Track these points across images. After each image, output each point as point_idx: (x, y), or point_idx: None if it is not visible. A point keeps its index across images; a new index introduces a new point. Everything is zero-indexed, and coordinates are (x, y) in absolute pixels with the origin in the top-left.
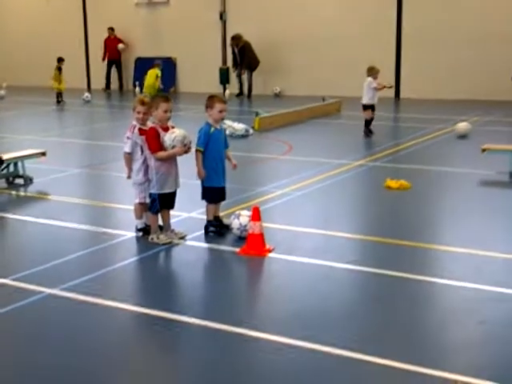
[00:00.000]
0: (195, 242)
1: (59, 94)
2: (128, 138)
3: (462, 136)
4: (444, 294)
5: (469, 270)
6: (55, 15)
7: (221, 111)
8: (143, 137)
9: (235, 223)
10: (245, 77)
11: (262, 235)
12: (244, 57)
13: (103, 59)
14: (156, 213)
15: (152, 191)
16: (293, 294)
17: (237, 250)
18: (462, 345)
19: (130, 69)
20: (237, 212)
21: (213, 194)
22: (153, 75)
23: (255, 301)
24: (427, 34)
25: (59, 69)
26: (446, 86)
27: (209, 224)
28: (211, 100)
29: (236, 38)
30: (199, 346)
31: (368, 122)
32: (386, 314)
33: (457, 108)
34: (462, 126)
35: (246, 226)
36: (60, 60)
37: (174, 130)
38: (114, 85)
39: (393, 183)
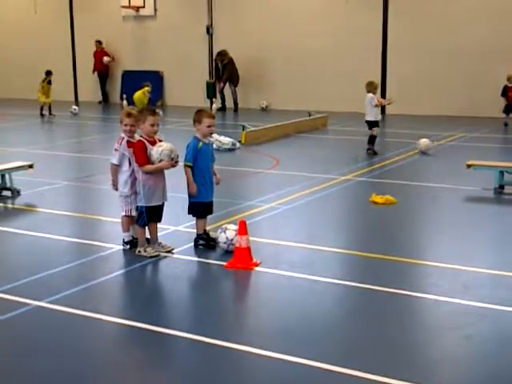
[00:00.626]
0: (182, 256)
1: (48, 107)
2: (116, 149)
3: (424, 152)
4: (429, 310)
5: (455, 286)
6: (42, 27)
7: (209, 126)
8: (131, 149)
9: (222, 237)
10: (227, 92)
11: (248, 249)
12: (227, 72)
13: (93, 72)
14: (143, 226)
15: (139, 204)
16: (279, 307)
17: (224, 263)
18: (447, 360)
19: (117, 82)
20: (223, 226)
21: (201, 208)
22: (139, 94)
23: (242, 314)
24: (413, 50)
25: (48, 82)
26: (431, 101)
27: (198, 237)
28: (199, 114)
29: (222, 54)
30: (185, 359)
31: (372, 139)
32: (371, 329)
33: (442, 124)
34: (424, 142)
35: (232, 239)
36: (48, 73)
37: (162, 143)
38: (98, 97)
39: (378, 198)
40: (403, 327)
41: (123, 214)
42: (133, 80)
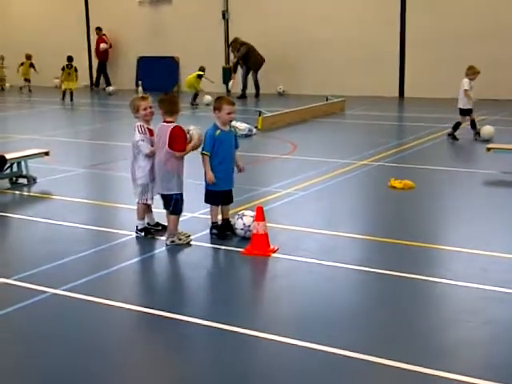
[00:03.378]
0: (199, 242)
1: (70, 94)
2: (143, 140)
3: (487, 140)
4: (449, 295)
5: (474, 271)
6: (58, 15)
7: (229, 113)
8: (152, 137)
9: (239, 223)
10: (250, 80)
11: (266, 235)
12: (247, 59)
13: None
14: (179, 214)
15: (171, 192)
16: (297, 294)
17: (241, 250)
18: (466, 345)
19: (132, 68)
20: (240, 212)
21: (215, 196)
22: (194, 75)
23: (259, 301)
24: (431, 33)
25: (75, 69)
26: (451, 84)
27: (212, 226)
28: (219, 102)
29: (234, 43)
30: (204, 346)
31: (457, 125)
32: (390, 315)
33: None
34: (488, 129)
35: (249, 226)
36: (70, 59)
37: (190, 128)
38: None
39: (397, 183)
40: (421, 312)
41: (140, 201)
42: (148, 66)
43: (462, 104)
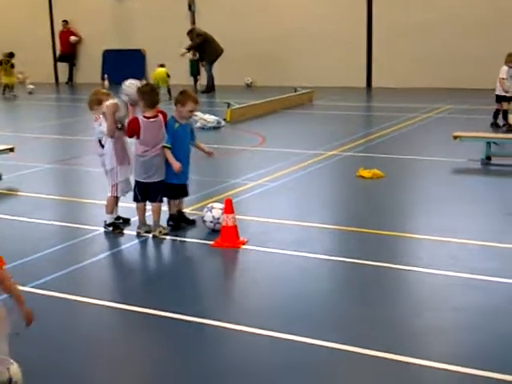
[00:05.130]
0: (168, 236)
1: (9, 87)
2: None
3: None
4: (419, 282)
5: (443, 258)
6: (21, 7)
7: (191, 111)
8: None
9: (208, 216)
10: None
11: (235, 227)
12: (202, 50)
13: (61, 53)
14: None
15: (159, 179)
16: (268, 285)
17: (211, 242)
18: (437, 332)
19: (96, 61)
20: (209, 205)
21: (171, 190)
22: (164, 71)
23: (232, 293)
24: (399, 22)
25: (11, 65)
26: (418, 74)
27: (170, 218)
28: (185, 97)
29: (191, 33)
30: (177, 339)
31: (496, 113)
32: (361, 303)
33: (429, 96)
34: None
35: (218, 218)
36: (11, 55)
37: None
38: (64, 78)
39: (366, 173)
40: (393, 300)
41: (109, 194)
42: (114, 59)
43: (498, 91)
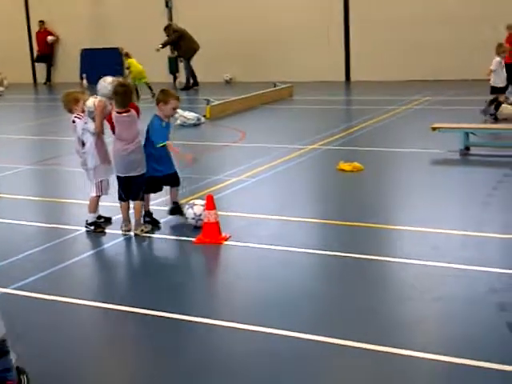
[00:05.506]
0: (150, 234)
1: None
2: (86, 122)
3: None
4: (401, 273)
5: (425, 248)
6: None
7: (174, 108)
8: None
9: (189, 213)
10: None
11: (217, 223)
12: (178, 47)
13: (38, 53)
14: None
15: (138, 174)
16: (251, 280)
17: (193, 239)
18: (420, 322)
19: (75, 61)
20: (191, 202)
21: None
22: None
23: (215, 289)
24: (376, 16)
25: None
26: (396, 67)
27: (146, 214)
28: (166, 95)
29: (167, 29)
30: (162, 337)
31: (497, 106)
32: (343, 296)
33: (407, 89)
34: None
35: (200, 215)
36: None
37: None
38: (42, 78)
39: (346, 166)
40: (376, 292)
41: (93, 194)
42: (92, 58)
43: (492, 82)
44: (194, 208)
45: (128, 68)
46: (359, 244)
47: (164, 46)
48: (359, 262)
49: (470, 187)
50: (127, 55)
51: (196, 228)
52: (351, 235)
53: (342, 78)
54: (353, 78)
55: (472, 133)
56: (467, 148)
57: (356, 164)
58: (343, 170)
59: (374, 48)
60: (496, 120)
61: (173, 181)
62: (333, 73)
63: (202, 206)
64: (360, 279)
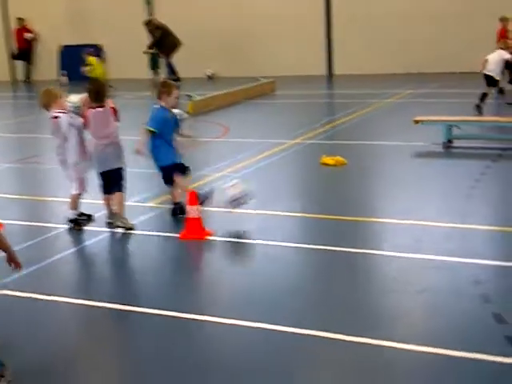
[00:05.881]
0: (133, 230)
1: None
2: (71, 117)
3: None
4: (385, 266)
5: (409, 241)
6: None
7: (177, 97)
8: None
9: (227, 195)
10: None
11: (200, 219)
12: (161, 45)
13: (18, 50)
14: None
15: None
16: (236, 275)
17: (176, 235)
18: (403, 314)
19: (53, 57)
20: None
21: (175, 169)
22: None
23: (201, 285)
24: (359, 10)
25: None
26: (379, 60)
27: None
28: (169, 87)
29: (148, 25)
30: (147, 333)
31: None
32: (330, 289)
33: (390, 82)
34: None
35: (236, 196)
36: None
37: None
38: (21, 76)
39: (329, 160)
40: (359, 285)
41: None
42: (72, 55)
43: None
44: (230, 190)
45: (88, 65)
46: (343, 237)
47: (151, 47)
48: (343, 256)
49: (452, 180)
50: (90, 54)
51: (232, 208)
52: (335, 229)
53: (325, 72)
54: (336, 71)
55: (455, 125)
56: (450, 141)
57: (339, 158)
58: (326, 164)
59: (357, 42)
60: (481, 113)
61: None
62: (316, 67)
63: (233, 187)
64: (344, 272)
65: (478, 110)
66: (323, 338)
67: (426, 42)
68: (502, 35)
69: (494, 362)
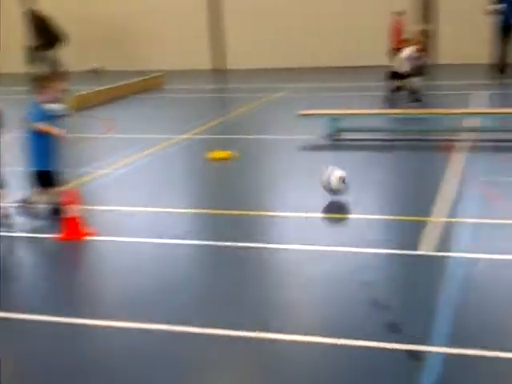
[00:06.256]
0: (7, 233)
1: None
2: None
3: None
4: (272, 258)
5: (296, 233)
6: None
7: (57, 92)
8: None
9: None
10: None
11: (79, 218)
12: (42, 36)
13: None
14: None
15: None
16: (119, 275)
17: (54, 236)
18: (290, 306)
19: None
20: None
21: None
22: None
23: (83, 287)
24: (249, 3)
25: None
26: (269, 55)
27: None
28: (45, 81)
29: (28, 14)
30: (33, 339)
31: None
32: (217, 285)
33: (280, 76)
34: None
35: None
36: None
37: None
38: None
39: (217, 154)
40: (247, 279)
41: None
42: None
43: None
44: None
45: None
46: (232, 232)
47: (37, 45)
48: (232, 250)
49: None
50: None
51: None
52: (224, 223)
53: (216, 66)
54: (227, 66)
55: (338, 118)
56: (335, 133)
57: (227, 152)
58: (215, 159)
59: (248, 37)
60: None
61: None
62: (205, 61)
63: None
64: (233, 267)
65: (390, 102)
66: (211, 334)
67: (316, 36)
68: (396, 30)
69: (374, 348)
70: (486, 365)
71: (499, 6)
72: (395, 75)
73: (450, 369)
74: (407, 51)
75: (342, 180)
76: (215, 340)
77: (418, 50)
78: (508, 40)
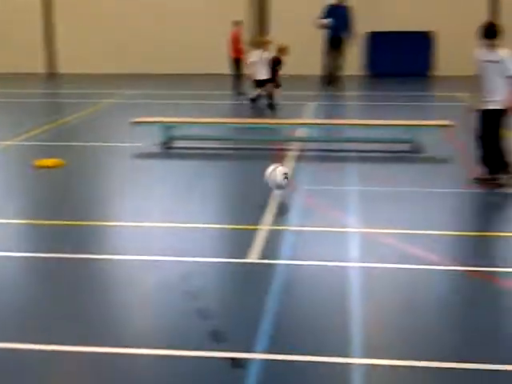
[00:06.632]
0: None
1: None
2: None
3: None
4: (115, 269)
5: (128, 242)
6: None
7: None
8: None
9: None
10: None
11: None
12: None
13: None
14: None
15: None
16: None
17: None
18: (114, 317)
19: None
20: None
21: None
22: None
23: None
24: (82, 8)
25: None
26: (103, 60)
27: None
28: None
29: None
30: None
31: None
32: (58, 300)
33: (114, 82)
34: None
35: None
36: None
37: None
38: None
39: (45, 162)
40: (81, 292)
41: None
42: None
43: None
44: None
45: None
46: (66, 243)
47: None
48: (66, 262)
49: (170, 180)
50: None
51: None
52: (52, 234)
53: (47, 70)
54: (60, 70)
55: (172, 127)
56: (169, 141)
57: (56, 160)
58: (42, 167)
59: (81, 41)
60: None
61: None
62: (34, 65)
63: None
64: (70, 280)
65: (255, 109)
66: (52, 351)
67: (152, 43)
68: (235, 39)
69: (199, 357)
70: (308, 369)
71: (326, 21)
72: (258, 83)
73: (271, 375)
74: (253, 56)
75: (285, 176)
76: (51, 356)
77: (273, 59)
78: (338, 53)
